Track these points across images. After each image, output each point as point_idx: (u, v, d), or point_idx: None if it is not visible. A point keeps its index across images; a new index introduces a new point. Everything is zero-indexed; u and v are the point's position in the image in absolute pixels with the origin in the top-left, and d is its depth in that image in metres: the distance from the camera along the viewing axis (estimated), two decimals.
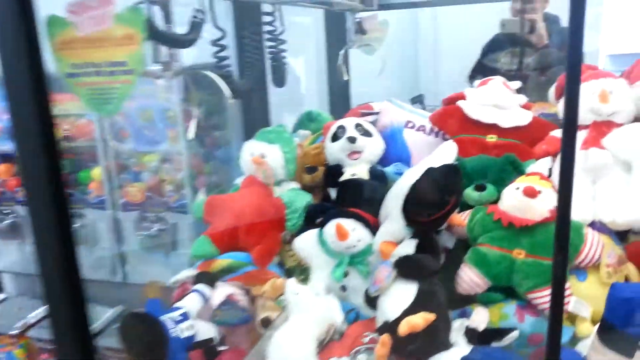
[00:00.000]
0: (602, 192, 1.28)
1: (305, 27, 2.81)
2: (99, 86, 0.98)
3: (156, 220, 1.92)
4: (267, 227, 1.42)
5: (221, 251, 1.40)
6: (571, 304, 1.14)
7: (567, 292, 1.13)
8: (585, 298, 1.15)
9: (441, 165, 1.20)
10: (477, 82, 1.72)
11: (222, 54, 1.59)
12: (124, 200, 1.98)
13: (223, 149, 1.93)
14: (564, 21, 2.38)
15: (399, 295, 1.12)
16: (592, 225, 1.24)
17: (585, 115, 1.38)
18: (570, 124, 0.74)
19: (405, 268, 1.13)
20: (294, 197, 1.48)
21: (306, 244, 1.38)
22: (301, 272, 1.46)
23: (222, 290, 1.33)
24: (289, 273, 1.47)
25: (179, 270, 1.46)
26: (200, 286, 1.30)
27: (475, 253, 1.22)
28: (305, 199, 1.48)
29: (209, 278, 1.33)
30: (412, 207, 1.19)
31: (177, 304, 1.23)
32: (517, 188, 1.22)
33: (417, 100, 3.17)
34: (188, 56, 2.00)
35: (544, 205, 1.19)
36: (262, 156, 1.56)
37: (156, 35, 1.19)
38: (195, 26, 1.34)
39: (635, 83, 1.43)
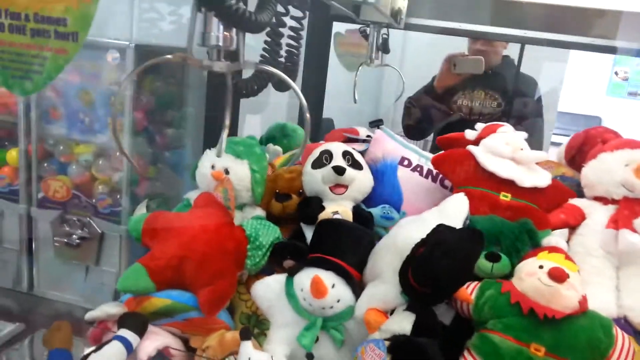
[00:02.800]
0: (629, 284, 1.09)
1: None
2: (15, 50, 0.66)
3: (79, 226, 1.56)
4: (224, 263, 1.12)
5: (159, 287, 1.08)
6: None
7: None
8: None
9: (465, 229, 0.95)
10: (480, 125, 1.51)
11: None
12: (42, 195, 1.60)
13: (175, 152, 1.61)
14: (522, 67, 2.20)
15: None
16: (615, 321, 1.03)
17: (614, 189, 1.19)
18: None
19: (403, 356, 0.87)
20: (260, 229, 1.19)
21: (269, 293, 1.10)
22: (256, 324, 1.17)
23: (155, 340, 1.02)
24: (241, 323, 1.18)
25: (99, 291, 1.14)
26: (125, 332, 0.99)
27: (484, 341, 0.97)
28: (273, 234, 1.20)
29: (138, 322, 1.02)
30: (419, 274, 0.94)
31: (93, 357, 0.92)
32: (541, 267, 1.00)
33: (376, 124, 2.93)
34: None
35: (573, 293, 0.97)
36: (225, 171, 1.27)
37: (216, 7, 0.81)
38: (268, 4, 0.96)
39: None
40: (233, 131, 1.56)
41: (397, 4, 1.72)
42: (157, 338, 1.03)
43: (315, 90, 2.34)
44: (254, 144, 1.35)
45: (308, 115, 1.08)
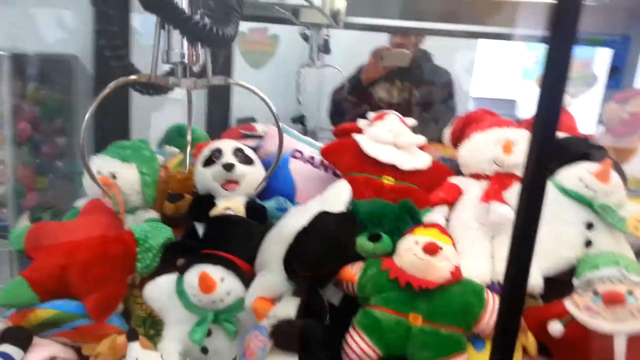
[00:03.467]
0: (501, 252, 1.17)
1: None
2: None
3: None
4: (110, 269, 1.11)
5: (43, 298, 1.06)
6: None
7: None
8: None
9: (337, 213, 1.00)
10: (371, 114, 1.57)
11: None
12: None
13: (66, 161, 1.56)
14: (436, 59, 2.37)
15: None
16: (490, 287, 1.11)
17: (486, 166, 1.27)
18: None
19: (283, 338, 0.91)
20: (150, 231, 1.19)
21: (160, 293, 1.10)
22: (152, 325, 1.17)
23: (41, 352, 1.00)
24: (136, 326, 1.17)
25: None
26: (7, 347, 0.96)
27: (366, 317, 1.02)
28: (163, 235, 1.19)
29: (20, 335, 0.99)
30: (298, 259, 0.97)
31: None
32: (417, 242, 1.06)
33: (298, 120, 3.01)
34: None
35: (445, 264, 1.04)
36: (112, 176, 1.26)
37: (182, 23, 0.78)
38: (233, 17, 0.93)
39: None
40: (124, 135, 1.53)
41: (337, 5, 1.75)
42: (44, 349, 1.00)
43: (221, 89, 2.34)
44: (143, 146, 1.34)
45: (279, 124, 1.07)
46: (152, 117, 1.90)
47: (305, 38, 1.96)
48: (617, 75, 2.26)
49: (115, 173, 1.26)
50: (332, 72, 2.46)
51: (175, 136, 1.69)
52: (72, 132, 1.58)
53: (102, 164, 1.28)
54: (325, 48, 1.96)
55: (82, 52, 1.60)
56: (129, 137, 1.55)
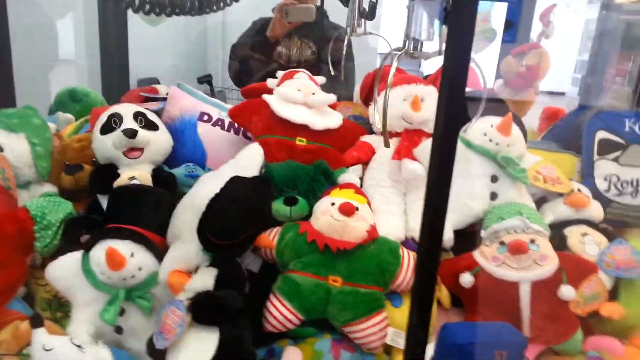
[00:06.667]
0: (414, 207, 1.20)
1: None
2: None
3: None
4: (6, 250, 1.01)
5: None
6: (388, 336, 1.02)
7: (383, 323, 1.01)
8: (402, 326, 1.04)
9: (251, 177, 0.96)
10: (280, 73, 1.53)
11: None
12: None
13: None
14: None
15: (195, 348, 0.86)
16: (405, 243, 1.14)
17: (396, 123, 1.28)
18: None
19: (202, 313, 0.88)
20: (47, 206, 1.09)
21: (65, 273, 1.02)
22: (58, 307, 1.09)
23: None
24: (41, 309, 1.10)
25: None
26: None
27: (286, 282, 1.02)
28: (63, 210, 1.11)
29: None
30: (212, 228, 0.94)
31: None
32: (333, 204, 1.06)
33: (205, 80, 2.89)
34: None
35: (362, 224, 1.05)
36: None
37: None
38: None
39: None
40: (10, 102, 1.38)
41: None
42: None
43: (117, 48, 2.17)
44: (31, 114, 1.22)
45: None
46: (40, 82, 1.73)
47: (344, 2, 1.79)
48: (511, 29, 2.34)
49: (2, 145, 1.14)
50: (234, 32, 2.32)
51: (67, 101, 1.56)
52: None
53: None
54: (370, 14, 1.76)
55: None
56: (15, 104, 1.40)
